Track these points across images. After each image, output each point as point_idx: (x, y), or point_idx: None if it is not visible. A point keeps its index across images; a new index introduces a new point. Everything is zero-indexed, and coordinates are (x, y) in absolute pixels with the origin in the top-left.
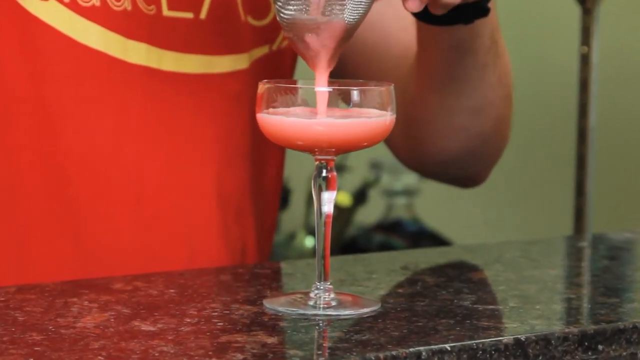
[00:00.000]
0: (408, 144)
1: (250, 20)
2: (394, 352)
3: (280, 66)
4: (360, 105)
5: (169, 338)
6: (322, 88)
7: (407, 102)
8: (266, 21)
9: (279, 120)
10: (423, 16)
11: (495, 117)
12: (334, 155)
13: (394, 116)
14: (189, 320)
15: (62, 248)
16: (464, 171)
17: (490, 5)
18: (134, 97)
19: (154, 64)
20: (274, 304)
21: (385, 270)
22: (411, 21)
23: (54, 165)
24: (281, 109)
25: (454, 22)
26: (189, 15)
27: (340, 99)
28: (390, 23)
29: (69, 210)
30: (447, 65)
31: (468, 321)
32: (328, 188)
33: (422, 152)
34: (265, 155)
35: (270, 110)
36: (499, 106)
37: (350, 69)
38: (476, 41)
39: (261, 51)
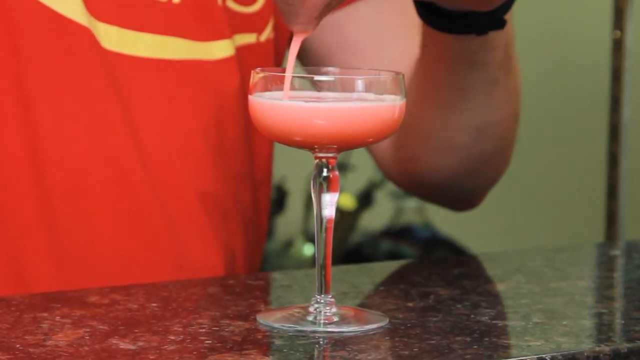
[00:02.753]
0: (400, 160)
1: (231, 5)
2: None
3: (266, 58)
4: (365, 97)
5: (151, 358)
6: (323, 77)
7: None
8: (253, 9)
9: (271, 104)
10: (432, 20)
11: (499, 138)
12: (335, 153)
13: (404, 102)
14: (173, 337)
15: (34, 244)
16: (458, 193)
17: (507, 17)
18: (114, 85)
19: (127, 50)
20: (269, 320)
21: (394, 282)
22: (410, 23)
23: (28, 153)
24: (275, 93)
25: (466, 31)
26: None
27: (342, 86)
28: (385, 23)
29: (44, 204)
30: (454, 78)
31: (486, 339)
32: (329, 189)
33: (415, 170)
34: (254, 151)
35: (266, 94)
36: (505, 126)
37: None
38: (488, 55)
39: (246, 39)
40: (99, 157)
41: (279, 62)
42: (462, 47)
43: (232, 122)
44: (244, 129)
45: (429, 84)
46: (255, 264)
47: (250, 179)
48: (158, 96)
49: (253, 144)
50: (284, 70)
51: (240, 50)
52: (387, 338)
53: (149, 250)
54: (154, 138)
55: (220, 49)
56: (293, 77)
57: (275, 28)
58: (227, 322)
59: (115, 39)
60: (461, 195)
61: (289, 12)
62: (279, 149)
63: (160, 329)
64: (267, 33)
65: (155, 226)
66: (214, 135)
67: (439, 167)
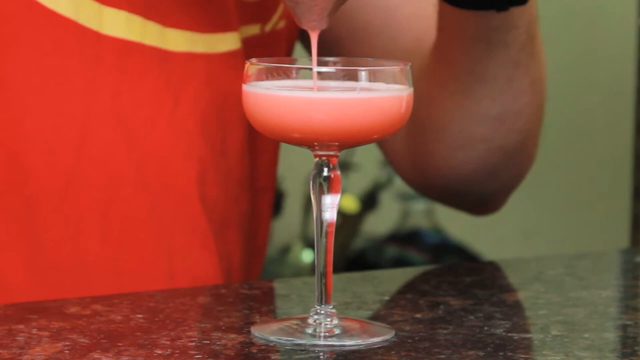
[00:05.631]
0: (414, 156)
1: None
2: None
3: (273, 50)
4: (369, 88)
5: None
6: (323, 68)
7: (417, 104)
8: None
9: (267, 95)
10: None
11: (521, 129)
12: (337, 150)
13: (412, 93)
14: (160, 351)
15: (15, 252)
16: (477, 194)
17: None
18: (107, 77)
19: (134, 37)
20: (264, 332)
21: (400, 291)
22: (425, 7)
23: (11, 153)
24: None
25: (486, 7)
26: None
27: (345, 78)
28: (398, 8)
29: (27, 210)
30: (472, 60)
31: (501, 353)
32: (330, 190)
33: (431, 167)
34: (257, 154)
35: (262, 83)
36: (528, 117)
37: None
38: (509, 34)
39: (251, 30)
40: (87, 159)
41: (289, 52)
42: (481, 24)
43: (236, 121)
44: (248, 129)
45: (445, 69)
46: (253, 277)
47: (252, 184)
48: (155, 90)
49: (257, 146)
50: (283, 61)
51: (245, 42)
52: (393, 352)
53: (142, 259)
54: (149, 137)
55: (226, 42)
56: (292, 68)
57: (287, 17)
58: (219, 334)
59: (123, 25)
60: (480, 196)
61: (299, 11)
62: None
63: (146, 343)
64: (272, 23)
65: (149, 233)
66: (216, 134)
67: (457, 162)
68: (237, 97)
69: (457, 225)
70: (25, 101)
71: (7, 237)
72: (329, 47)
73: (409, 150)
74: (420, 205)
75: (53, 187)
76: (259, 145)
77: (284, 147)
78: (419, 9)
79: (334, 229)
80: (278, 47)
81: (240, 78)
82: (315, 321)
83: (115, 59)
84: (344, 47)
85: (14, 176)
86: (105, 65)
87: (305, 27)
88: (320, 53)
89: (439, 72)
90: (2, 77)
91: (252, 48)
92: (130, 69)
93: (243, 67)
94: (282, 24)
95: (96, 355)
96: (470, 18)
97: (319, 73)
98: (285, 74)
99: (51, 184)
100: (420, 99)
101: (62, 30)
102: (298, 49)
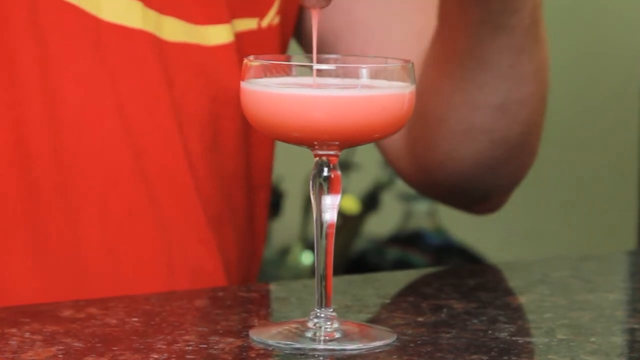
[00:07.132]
0: (414, 151)
1: None
2: None
3: (269, 46)
4: (370, 85)
5: None
6: (324, 65)
7: (418, 95)
8: None
9: (266, 93)
10: None
11: (524, 121)
12: (337, 150)
13: (414, 90)
14: (156, 356)
15: (17, 244)
16: (480, 190)
17: None
18: (106, 64)
19: (134, 24)
20: (263, 336)
21: (402, 294)
22: (425, 4)
23: (17, 136)
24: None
25: None
26: None
27: (346, 76)
28: (397, 3)
29: (30, 197)
30: (474, 45)
31: (506, 357)
32: (330, 191)
33: (432, 161)
34: (252, 151)
35: (261, 80)
36: (531, 108)
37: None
38: (512, 17)
39: (247, 24)
40: (87, 145)
41: (284, 50)
42: (483, 8)
43: (228, 115)
44: (242, 124)
45: (447, 55)
46: (251, 278)
47: (247, 181)
48: (152, 79)
49: (251, 142)
50: (282, 58)
51: (240, 37)
52: (395, 357)
53: (141, 250)
54: (146, 126)
55: (217, 35)
56: (291, 65)
57: (281, 12)
58: (217, 338)
59: (123, 10)
60: (482, 193)
61: None
62: (275, 146)
63: (142, 347)
64: (269, 18)
65: (148, 225)
66: (206, 127)
67: (458, 155)
68: (229, 90)
69: (460, 226)
70: (29, 84)
71: (11, 223)
72: (327, 41)
73: (409, 145)
74: (422, 206)
75: (55, 175)
76: (254, 141)
77: (284, 146)
78: (418, 3)
79: (334, 230)
80: (272, 44)
81: (232, 72)
82: (315, 325)
83: (113, 45)
84: (339, 42)
85: (19, 160)
86: (104, 51)
87: (306, 6)
88: (318, 46)
89: (441, 59)
90: (7, 60)
91: (246, 43)
92: (128, 56)
93: (236, 61)
94: (277, 20)
95: None
96: (471, 1)
97: (319, 71)
98: (285, 71)
99: (53, 172)
100: (421, 89)
101: (63, 14)
102: (293, 46)
